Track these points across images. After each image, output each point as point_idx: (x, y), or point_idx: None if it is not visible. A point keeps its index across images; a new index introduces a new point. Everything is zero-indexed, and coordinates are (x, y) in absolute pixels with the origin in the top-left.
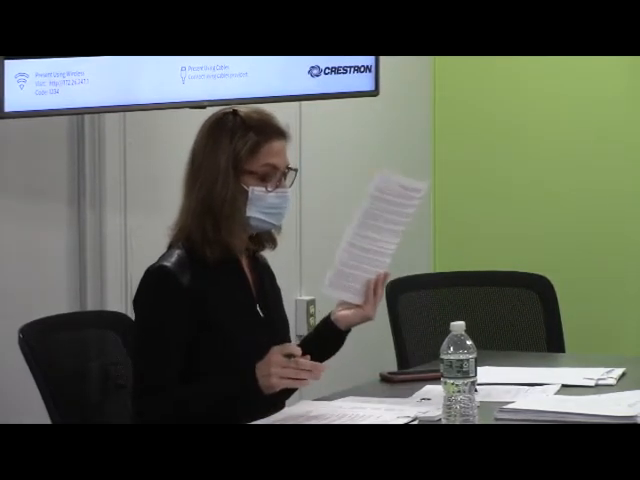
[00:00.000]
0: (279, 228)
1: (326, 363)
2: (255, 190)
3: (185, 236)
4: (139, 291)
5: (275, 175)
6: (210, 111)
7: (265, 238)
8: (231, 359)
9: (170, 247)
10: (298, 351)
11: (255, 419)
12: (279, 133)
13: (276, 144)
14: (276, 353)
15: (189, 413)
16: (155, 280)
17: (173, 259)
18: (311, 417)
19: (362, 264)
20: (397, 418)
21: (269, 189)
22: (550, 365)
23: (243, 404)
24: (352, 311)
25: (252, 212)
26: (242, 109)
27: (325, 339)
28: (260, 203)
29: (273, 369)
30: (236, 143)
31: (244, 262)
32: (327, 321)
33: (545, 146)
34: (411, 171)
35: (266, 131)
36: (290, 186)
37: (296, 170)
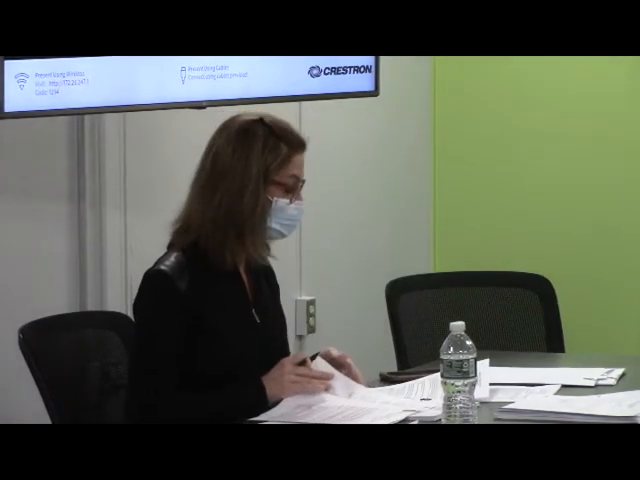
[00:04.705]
0: None
1: None
2: (279, 201)
3: (193, 240)
4: (138, 296)
5: (297, 187)
6: (210, 111)
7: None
8: (228, 365)
9: (170, 246)
10: (308, 359)
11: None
12: (303, 145)
13: (300, 157)
14: (288, 361)
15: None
16: (153, 284)
17: (171, 263)
18: (313, 410)
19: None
20: (394, 415)
21: (291, 201)
22: (550, 365)
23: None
24: None
25: (272, 223)
26: (266, 118)
27: None
28: (281, 214)
29: (286, 376)
30: (268, 154)
31: (241, 266)
32: None
33: (545, 146)
34: (411, 171)
35: (295, 143)
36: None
37: (304, 181)
